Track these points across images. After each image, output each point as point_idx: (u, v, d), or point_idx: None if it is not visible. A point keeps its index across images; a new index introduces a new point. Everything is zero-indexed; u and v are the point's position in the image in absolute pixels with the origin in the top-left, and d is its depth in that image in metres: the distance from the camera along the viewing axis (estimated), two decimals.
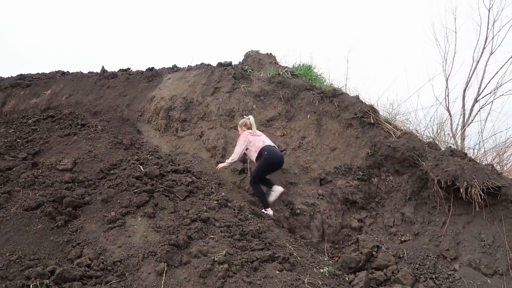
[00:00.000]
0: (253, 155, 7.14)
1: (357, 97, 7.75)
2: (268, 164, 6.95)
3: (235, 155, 7.23)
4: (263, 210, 6.80)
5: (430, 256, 5.54)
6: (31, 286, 4.63)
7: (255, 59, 9.72)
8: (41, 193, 6.36)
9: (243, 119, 7.51)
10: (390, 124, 7.31)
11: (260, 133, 7.42)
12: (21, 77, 12.10)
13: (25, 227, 5.74)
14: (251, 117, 7.51)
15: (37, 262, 5.09)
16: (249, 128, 7.38)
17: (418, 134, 7.38)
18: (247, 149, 7.21)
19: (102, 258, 5.12)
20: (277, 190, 6.95)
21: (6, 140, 8.24)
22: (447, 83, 13.64)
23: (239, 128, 7.54)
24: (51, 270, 4.84)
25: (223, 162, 7.48)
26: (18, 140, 8.22)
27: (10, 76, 12.48)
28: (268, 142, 7.14)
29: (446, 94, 13.46)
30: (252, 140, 7.15)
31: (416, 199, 6.37)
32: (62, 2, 51.21)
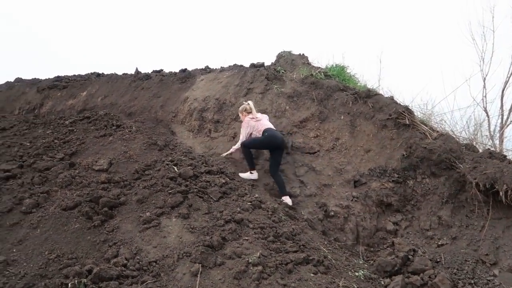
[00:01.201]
0: (258, 137, 7.54)
1: (391, 98, 7.63)
2: (267, 142, 7.42)
3: (240, 141, 7.69)
4: (248, 172, 7.53)
5: (469, 261, 5.40)
6: (69, 284, 4.71)
7: (287, 60, 9.68)
8: (78, 193, 6.47)
9: (243, 105, 7.89)
10: (426, 125, 7.17)
11: (261, 117, 7.78)
12: (58, 79, 12.36)
13: (63, 226, 5.85)
14: (250, 102, 7.88)
15: (75, 261, 5.18)
16: (250, 112, 7.75)
17: (454, 136, 7.21)
18: (251, 134, 7.61)
19: (138, 258, 5.18)
20: (254, 175, 7.51)
21: (44, 141, 8.42)
22: (484, 83, 13.37)
23: (240, 115, 7.94)
24: (89, 269, 4.92)
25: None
26: (55, 140, 8.39)
27: (47, 78, 12.78)
28: (269, 125, 7.62)
29: (484, 95, 13.20)
30: (254, 125, 7.58)
31: (453, 202, 6.23)
32: (94, 5, 52.13)
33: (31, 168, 7.43)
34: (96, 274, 4.79)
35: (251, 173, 7.53)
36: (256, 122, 7.62)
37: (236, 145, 7.80)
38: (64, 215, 6.03)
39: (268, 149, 7.64)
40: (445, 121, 8.12)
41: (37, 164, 7.47)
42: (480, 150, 6.87)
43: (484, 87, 13.22)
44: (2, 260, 5.34)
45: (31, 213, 6.22)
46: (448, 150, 6.39)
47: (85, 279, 4.77)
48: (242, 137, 7.67)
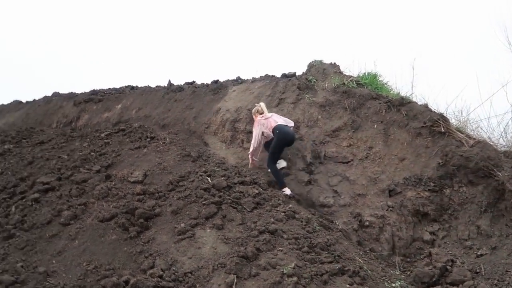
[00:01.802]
0: (270, 135, 7.77)
1: (425, 106, 7.53)
2: (280, 141, 7.54)
3: (253, 141, 7.88)
4: (282, 190, 7.35)
5: (510, 272, 5.22)
6: None
7: (319, 69, 9.66)
8: (115, 204, 6.59)
9: (255, 107, 8.29)
10: (462, 133, 7.03)
11: (271, 114, 8.01)
12: (94, 92, 12.63)
13: (100, 237, 5.96)
14: (262, 103, 8.31)
15: (112, 272, 5.27)
16: (261, 113, 8.07)
17: (492, 143, 7.05)
18: (262, 133, 7.80)
19: (173, 269, 5.23)
20: (287, 192, 7.34)
21: (81, 154, 8.62)
22: None
23: (253, 117, 8.23)
24: (126, 280, 5.00)
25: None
26: (92, 153, 8.58)
27: (83, 91, 13.08)
28: (279, 121, 7.78)
29: None
30: (264, 123, 7.83)
31: (492, 211, 6.08)
32: (124, 18, 53.22)
33: (69, 180, 7.61)
34: (133, 285, 4.86)
35: (283, 191, 7.36)
36: (266, 120, 7.86)
37: (251, 147, 7.93)
38: (101, 227, 6.15)
39: (285, 146, 7.72)
40: (481, 128, 7.96)
41: (74, 176, 7.64)
42: None
43: None
44: (42, 271, 5.48)
45: (69, 225, 6.37)
46: (485, 158, 6.25)
47: None
48: (254, 136, 7.87)
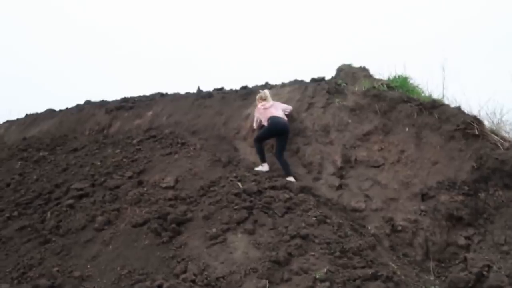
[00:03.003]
0: (265, 124, 8.31)
1: (458, 108, 7.40)
2: (270, 130, 8.15)
3: (253, 123, 8.86)
4: (261, 165, 8.15)
5: None
6: None
7: (348, 73, 9.62)
8: (147, 210, 6.69)
9: (259, 94, 8.75)
10: (497, 135, 6.89)
11: (271, 104, 8.41)
12: (125, 100, 12.79)
13: (133, 242, 6.06)
14: (266, 91, 8.79)
15: (146, 277, 5.35)
16: (264, 99, 8.50)
17: None
18: (260, 120, 8.48)
19: (205, 274, 5.27)
20: (264, 167, 8.10)
21: (113, 160, 8.77)
22: None
23: (257, 102, 8.69)
24: (159, 285, 5.07)
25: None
26: (124, 159, 8.72)
27: (115, 99, 13.28)
28: (275, 113, 8.20)
29: None
30: (262, 112, 8.37)
31: None
32: (151, 26, 53.98)
33: (102, 186, 7.75)
34: None
35: (262, 165, 8.11)
36: (264, 110, 8.34)
37: (253, 126, 8.90)
38: (134, 232, 6.25)
39: (274, 135, 8.21)
40: None
41: (107, 182, 7.78)
42: None
43: None
44: (77, 275, 5.61)
45: (103, 230, 6.49)
46: None
47: None
48: (254, 120, 8.80)
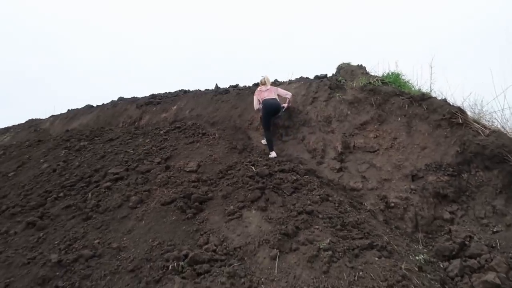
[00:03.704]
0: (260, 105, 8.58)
1: (444, 100, 7.39)
2: (264, 111, 8.37)
3: (254, 103, 8.90)
4: (269, 153, 8.17)
5: None
6: (170, 266, 4.97)
7: (347, 71, 9.61)
8: (174, 190, 6.78)
9: (261, 78, 8.91)
10: (478, 124, 6.88)
11: (268, 88, 8.66)
12: (153, 96, 12.91)
13: (162, 218, 6.15)
14: (266, 76, 8.89)
15: (173, 248, 5.43)
16: (263, 84, 8.75)
17: (506, 132, 6.86)
18: (259, 101, 8.61)
19: (225, 245, 5.35)
20: (272, 155, 8.14)
21: (144, 148, 8.88)
22: None
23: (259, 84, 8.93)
24: (185, 254, 5.16)
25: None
26: (153, 147, 8.82)
27: (144, 96, 13.40)
28: (268, 96, 8.48)
29: None
30: (258, 94, 8.67)
31: (507, 192, 5.93)
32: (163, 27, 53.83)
33: (134, 171, 7.85)
34: (191, 258, 5.03)
35: (270, 153, 8.18)
36: (259, 92, 8.68)
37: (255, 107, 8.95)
38: (163, 209, 6.35)
39: (271, 115, 8.44)
40: (496, 119, 7.72)
41: (139, 167, 7.88)
42: None
43: None
44: (115, 246, 5.72)
45: (136, 208, 6.60)
46: (500, 145, 6.12)
47: (182, 262, 5.02)
48: (254, 101, 8.87)
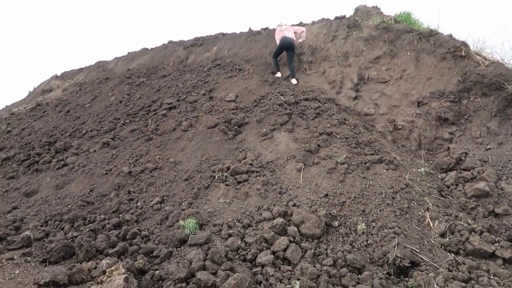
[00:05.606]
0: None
1: (450, 35, 6.92)
2: (280, 46, 8.42)
3: (276, 40, 8.74)
4: (276, 73, 8.62)
5: None
6: (216, 176, 5.13)
7: (363, 12, 9.05)
8: (217, 116, 6.82)
9: (279, 22, 8.99)
10: (479, 56, 6.46)
11: (286, 28, 8.62)
12: (196, 39, 12.62)
13: (209, 139, 6.25)
14: (283, 20, 9.40)
15: (218, 162, 5.57)
16: (280, 25, 8.79)
17: (504, 63, 6.43)
18: (280, 39, 8.47)
19: (259, 159, 5.44)
20: (278, 74, 8.59)
21: (191, 82, 8.86)
22: None
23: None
24: (228, 167, 5.29)
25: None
26: (198, 82, 8.78)
27: (189, 39, 13.15)
28: (285, 34, 8.42)
29: None
30: (278, 33, 8.67)
31: (501, 115, 5.70)
32: None
33: (184, 101, 7.90)
34: (233, 169, 5.16)
35: (277, 73, 8.59)
36: (279, 31, 8.64)
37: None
38: (208, 132, 6.44)
39: (284, 50, 8.45)
40: (496, 52, 7.24)
41: (188, 98, 7.92)
42: None
43: None
44: (172, 161, 5.91)
45: (187, 131, 6.72)
46: (498, 75, 5.79)
47: (225, 173, 5.15)
48: (276, 38, 8.73)
